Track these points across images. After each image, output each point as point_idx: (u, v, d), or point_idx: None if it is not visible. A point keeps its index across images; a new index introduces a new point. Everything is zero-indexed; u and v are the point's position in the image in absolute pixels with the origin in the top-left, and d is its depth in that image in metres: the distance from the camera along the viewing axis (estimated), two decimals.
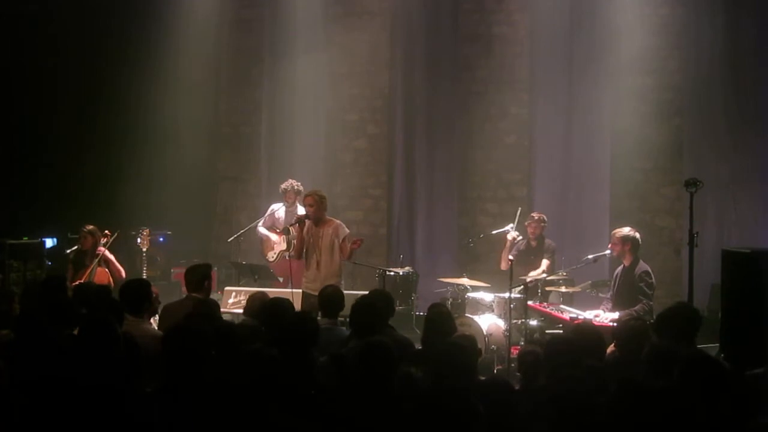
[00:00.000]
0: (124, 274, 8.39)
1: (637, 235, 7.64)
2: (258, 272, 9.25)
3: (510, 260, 8.11)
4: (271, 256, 9.47)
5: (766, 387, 4.63)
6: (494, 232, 9.39)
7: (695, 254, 7.48)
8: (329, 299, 5.95)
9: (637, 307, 7.26)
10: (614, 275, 7.84)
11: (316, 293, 6.63)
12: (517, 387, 4.72)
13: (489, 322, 8.13)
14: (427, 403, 3.57)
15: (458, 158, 11.20)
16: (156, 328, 5.92)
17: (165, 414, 3.89)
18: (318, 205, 7.79)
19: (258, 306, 5.82)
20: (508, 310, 7.81)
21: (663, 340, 5.12)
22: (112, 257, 8.32)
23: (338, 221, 7.98)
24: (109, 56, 10.72)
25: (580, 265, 8.35)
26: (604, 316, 7.42)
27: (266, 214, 9.60)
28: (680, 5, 10.42)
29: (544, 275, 8.62)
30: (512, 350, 7.33)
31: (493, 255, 9.42)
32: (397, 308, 6.98)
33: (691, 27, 10.29)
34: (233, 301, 8.45)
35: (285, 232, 9.30)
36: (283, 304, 5.58)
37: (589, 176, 10.71)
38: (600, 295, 8.28)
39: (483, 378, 4.79)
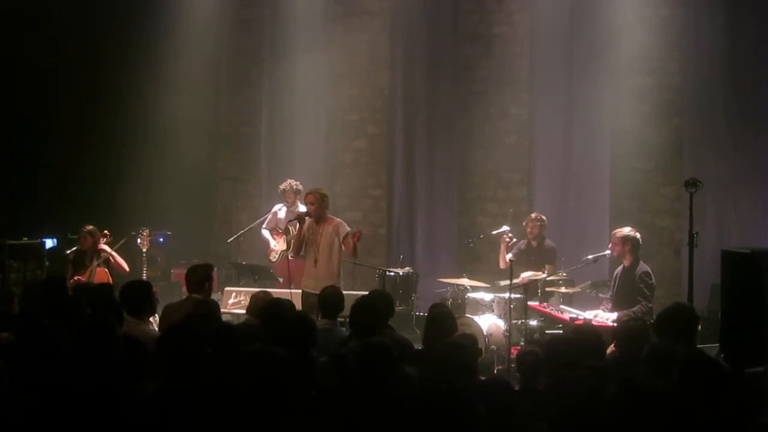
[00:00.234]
0: (128, 268, 8.40)
1: (638, 235, 7.64)
2: (258, 273, 9.26)
3: (510, 260, 8.11)
4: (273, 256, 9.48)
5: (766, 386, 4.62)
6: (494, 232, 9.39)
7: (695, 254, 7.47)
8: (328, 300, 5.94)
9: (635, 308, 7.25)
10: (614, 275, 7.83)
11: (315, 291, 6.63)
12: (516, 387, 4.72)
13: (489, 323, 8.13)
14: (427, 403, 3.57)
15: (458, 158, 11.20)
16: (156, 329, 5.92)
17: (165, 414, 3.89)
18: (319, 203, 7.78)
19: (261, 306, 5.82)
20: (508, 311, 7.81)
21: (663, 340, 5.12)
22: (114, 253, 8.32)
23: (339, 219, 7.97)
24: (109, 56, 10.72)
25: (580, 265, 8.34)
26: (603, 316, 7.42)
27: (269, 216, 9.59)
28: (680, 5, 10.41)
29: (544, 276, 8.61)
30: (512, 350, 7.32)
31: (493, 255, 9.42)
32: (397, 308, 7.00)
33: (691, 27, 10.28)
34: (233, 302, 8.46)
35: (285, 231, 9.30)
36: (283, 304, 5.58)
37: (589, 176, 10.70)
38: (600, 295, 8.27)
39: (483, 378, 4.79)
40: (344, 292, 6.34)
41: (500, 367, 7.66)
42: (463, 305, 8.62)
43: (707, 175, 8.98)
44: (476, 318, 8.20)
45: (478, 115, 11.21)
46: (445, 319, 5.59)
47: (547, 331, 7.74)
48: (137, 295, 5.57)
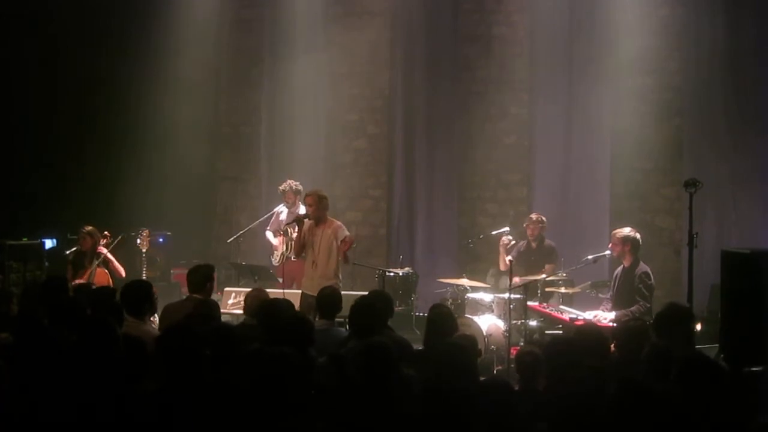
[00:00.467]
0: (124, 273, 8.39)
1: (638, 235, 7.63)
2: (258, 273, 9.25)
3: (510, 261, 8.11)
4: (275, 258, 9.48)
5: (766, 386, 4.62)
6: (494, 233, 9.39)
7: (695, 255, 7.46)
8: (327, 300, 5.94)
9: (633, 308, 7.25)
10: (614, 276, 7.83)
11: (313, 293, 6.63)
12: (516, 387, 4.72)
13: (489, 323, 8.13)
14: (427, 403, 3.57)
15: (458, 158, 11.20)
16: (157, 329, 5.92)
17: (165, 414, 3.89)
18: (318, 205, 7.77)
19: (256, 304, 5.81)
20: (508, 311, 7.81)
21: (662, 340, 5.12)
22: (111, 257, 8.33)
23: (339, 222, 7.96)
24: (109, 56, 10.71)
25: (580, 265, 8.34)
26: (602, 316, 7.42)
27: (272, 218, 9.57)
28: (680, 5, 10.41)
29: (543, 276, 8.61)
30: (512, 351, 7.32)
31: (493, 256, 9.43)
32: (396, 309, 7.01)
33: (691, 27, 10.28)
34: (233, 302, 8.45)
35: (284, 233, 9.29)
36: (281, 304, 5.57)
37: (589, 176, 10.70)
38: (600, 295, 8.27)
39: (483, 378, 4.79)
40: (344, 292, 6.35)
41: (500, 367, 7.67)
42: (463, 305, 8.62)
43: (707, 175, 8.97)
44: (476, 318, 8.20)
45: (478, 115, 11.21)
46: (445, 320, 5.59)
47: (546, 332, 7.75)
48: (137, 295, 5.58)
